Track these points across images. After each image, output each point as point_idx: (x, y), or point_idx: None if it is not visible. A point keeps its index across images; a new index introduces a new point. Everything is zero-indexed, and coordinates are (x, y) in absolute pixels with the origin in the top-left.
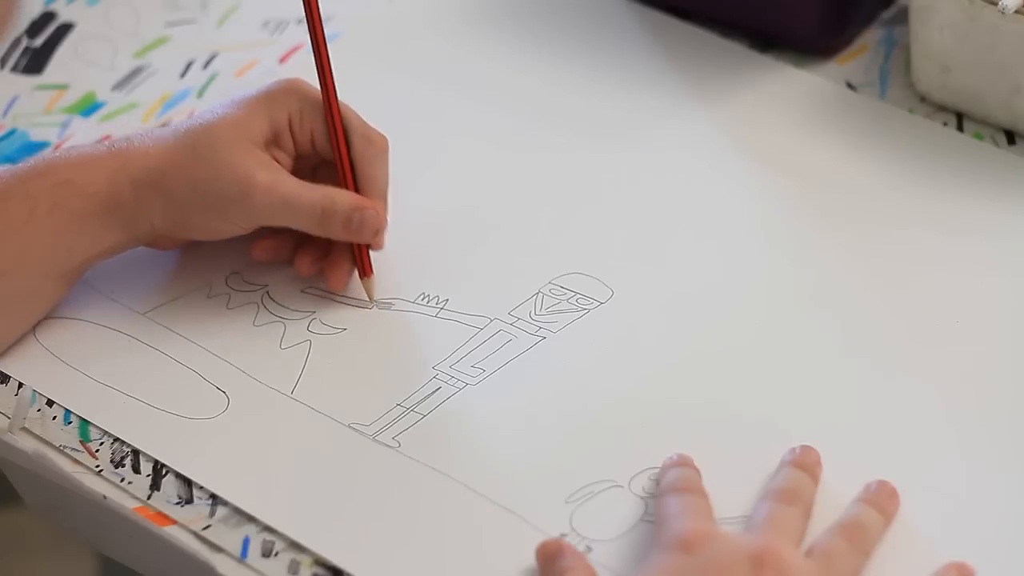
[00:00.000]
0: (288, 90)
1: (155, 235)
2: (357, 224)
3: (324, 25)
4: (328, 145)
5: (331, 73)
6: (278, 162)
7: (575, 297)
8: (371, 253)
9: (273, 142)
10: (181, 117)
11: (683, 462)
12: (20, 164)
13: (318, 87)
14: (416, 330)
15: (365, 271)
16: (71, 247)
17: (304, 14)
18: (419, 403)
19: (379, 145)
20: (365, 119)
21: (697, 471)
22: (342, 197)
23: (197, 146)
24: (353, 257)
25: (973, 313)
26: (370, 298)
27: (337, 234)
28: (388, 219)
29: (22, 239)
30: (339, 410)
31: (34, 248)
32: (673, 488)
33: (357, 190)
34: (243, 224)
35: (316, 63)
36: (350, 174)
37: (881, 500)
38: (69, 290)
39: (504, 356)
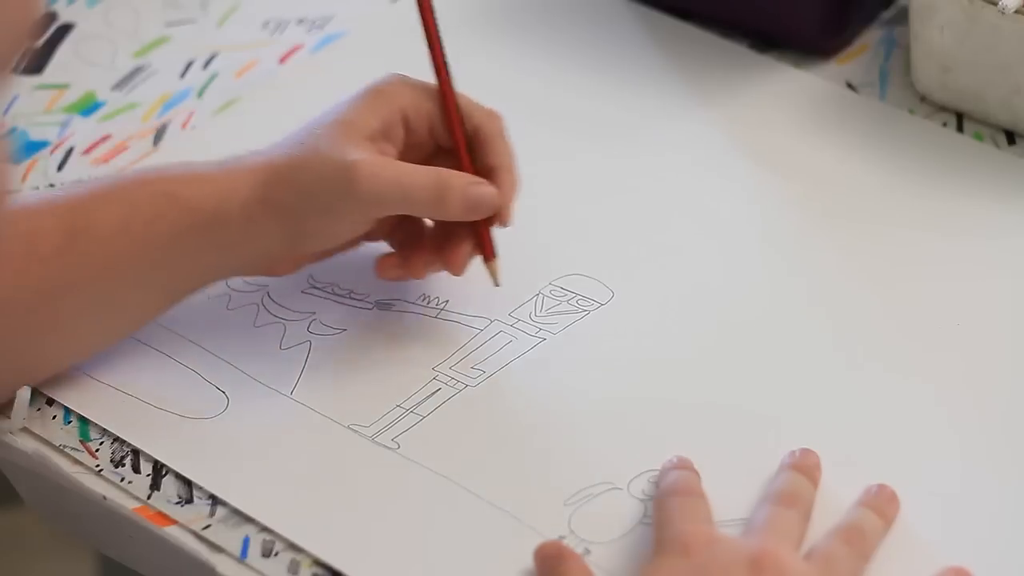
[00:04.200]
0: (396, 83)
1: (272, 258)
2: (475, 199)
3: (324, 26)
4: (446, 129)
5: (443, 56)
6: (386, 155)
7: (575, 298)
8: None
9: (381, 136)
10: (181, 117)
11: (682, 465)
12: (126, 171)
13: (413, 78)
14: (416, 331)
15: (488, 253)
16: (163, 261)
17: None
18: (419, 404)
19: (499, 119)
20: None
21: (696, 474)
22: (456, 175)
23: (299, 151)
24: (475, 240)
25: (974, 315)
26: (496, 282)
27: (455, 212)
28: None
29: (115, 247)
30: (338, 411)
31: (125, 258)
32: (672, 491)
33: (488, 164)
34: (358, 217)
35: (428, 47)
36: (466, 156)
37: (881, 504)
38: (163, 310)
39: (504, 357)
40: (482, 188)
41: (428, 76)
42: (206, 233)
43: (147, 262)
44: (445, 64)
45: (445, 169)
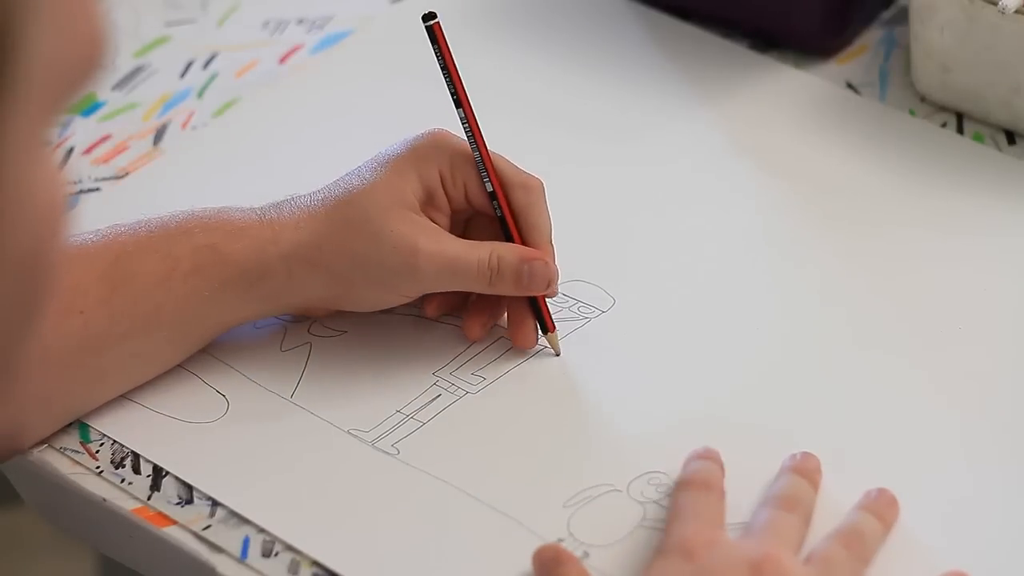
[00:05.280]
0: (436, 145)
1: (309, 306)
2: (527, 278)
3: (324, 27)
4: (483, 198)
5: (479, 130)
6: (436, 223)
7: (577, 305)
8: None
9: (428, 202)
10: (181, 117)
11: (707, 455)
12: (166, 217)
13: (463, 138)
14: (417, 336)
15: (548, 325)
16: (203, 314)
17: (441, 72)
18: (419, 410)
19: (537, 190)
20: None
21: (719, 465)
22: (508, 252)
23: (351, 217)
24: (533, 311)
25: (975, 316)
26: (556, 352)
27: (508, 291)
28: (557, 265)
29: (155, 300)
30: (338, 415)
31: (165, 311)
32: (688, 482)
33: (522, 240)
34: (410, 294)
35: (462, 123)
36: (514, 227)
37: (881, 507)
38: (188, 355)
39: (505, 364)
40: (535, 266)
41: (427, 77)
42: (246, 287)
43: (186, 315)
44: (481, 139)
45: (498, 244)
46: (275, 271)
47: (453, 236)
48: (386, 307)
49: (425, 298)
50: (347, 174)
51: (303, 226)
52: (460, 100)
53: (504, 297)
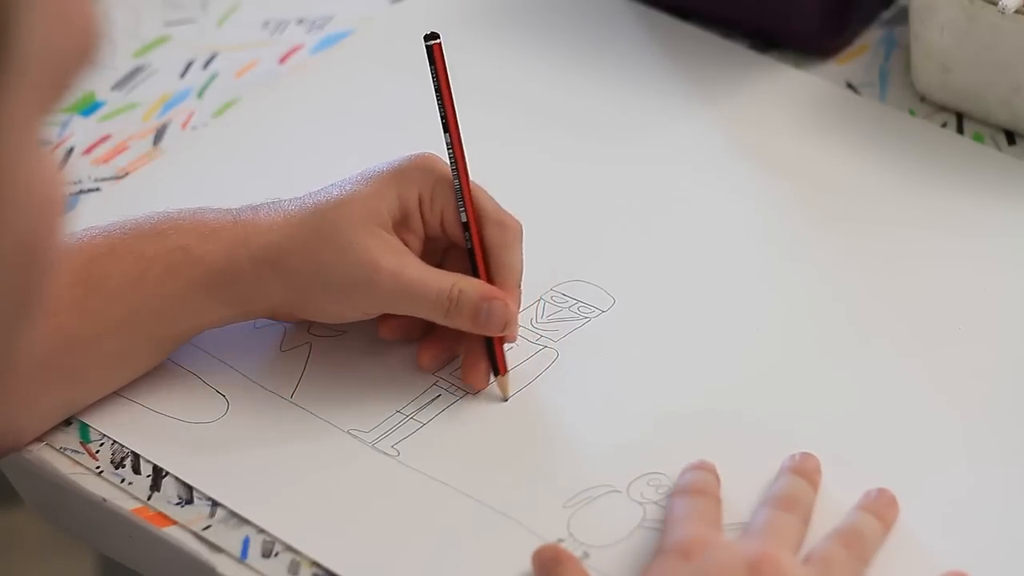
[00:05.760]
0: (420, 167)
1: (273, 311)
2: (485, 316)
3: (324, 27)
4: (457, 229)
5: (463, 158)
6: (407, 245)
7: (576, 305)
8: None
9: (402, 223)
10: (181, 117)
11: (702, 466)
12: (140, 219)
13: (440, 161)
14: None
15: (500, 368)
16: (177, 315)
17: (435, 96)
18: (419, 410)
19: (513, 231)
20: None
21: (714, 475)
22: (470, 286)
23: (322, 226)
24: (487, 352)
25: (975, 316)
26: (504, 397)
27: (464, 326)
28: (519, 308)
29: (129, 302)
30: (338, 416)
31: (139, 312)
32: (684, 489)
33: (489, 278)
34: (367, 310)
35: (447, 148)
36: (482, 263)
37: (880, 508)
38: (165, 357)
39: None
40: (494, 305)
41: (426, 78)
42: (216, 288)
43: (161, 316)
44: (464, 168)
45: (462, 277)
46: (244, 272)
47: (420, 261)
48: (345, 321)
49: (383, 317)
50: (331, 184)
51: (275, 229)
52: (449, 125)
53: (464, 333)
